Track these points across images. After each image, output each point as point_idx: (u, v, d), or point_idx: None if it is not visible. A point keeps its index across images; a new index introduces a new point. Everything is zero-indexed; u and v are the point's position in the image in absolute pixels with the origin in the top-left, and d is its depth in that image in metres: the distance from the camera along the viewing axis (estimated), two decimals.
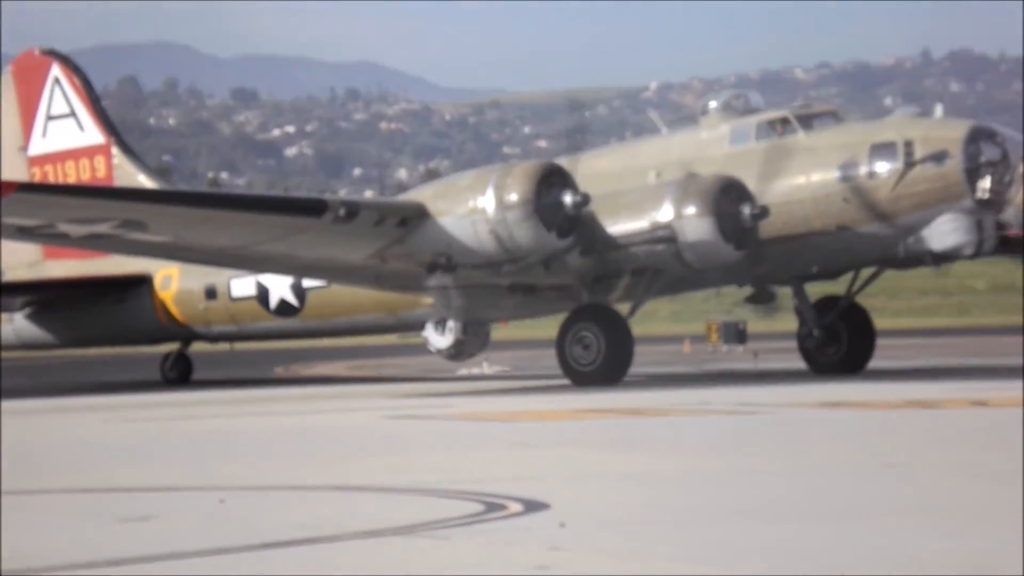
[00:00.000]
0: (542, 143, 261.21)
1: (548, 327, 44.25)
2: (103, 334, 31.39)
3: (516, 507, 9.35)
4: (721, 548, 7.59)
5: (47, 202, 23.46)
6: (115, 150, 31.65)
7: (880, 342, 28.79)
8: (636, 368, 28.85)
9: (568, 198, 24.07)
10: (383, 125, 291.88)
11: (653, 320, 25.74)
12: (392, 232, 24.34)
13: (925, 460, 12.25)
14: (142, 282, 30.35)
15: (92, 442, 17.23)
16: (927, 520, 8.41)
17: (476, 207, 23.92)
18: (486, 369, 34.88)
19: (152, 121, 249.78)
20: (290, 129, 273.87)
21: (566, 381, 26.87)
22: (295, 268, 26.41)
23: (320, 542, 8.17)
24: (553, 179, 24.11)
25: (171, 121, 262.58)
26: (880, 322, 29.46)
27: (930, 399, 20.04)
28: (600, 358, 24.76)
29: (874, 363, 28.62)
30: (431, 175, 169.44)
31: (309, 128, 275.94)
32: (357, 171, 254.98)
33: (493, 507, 9.39)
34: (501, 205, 23.77)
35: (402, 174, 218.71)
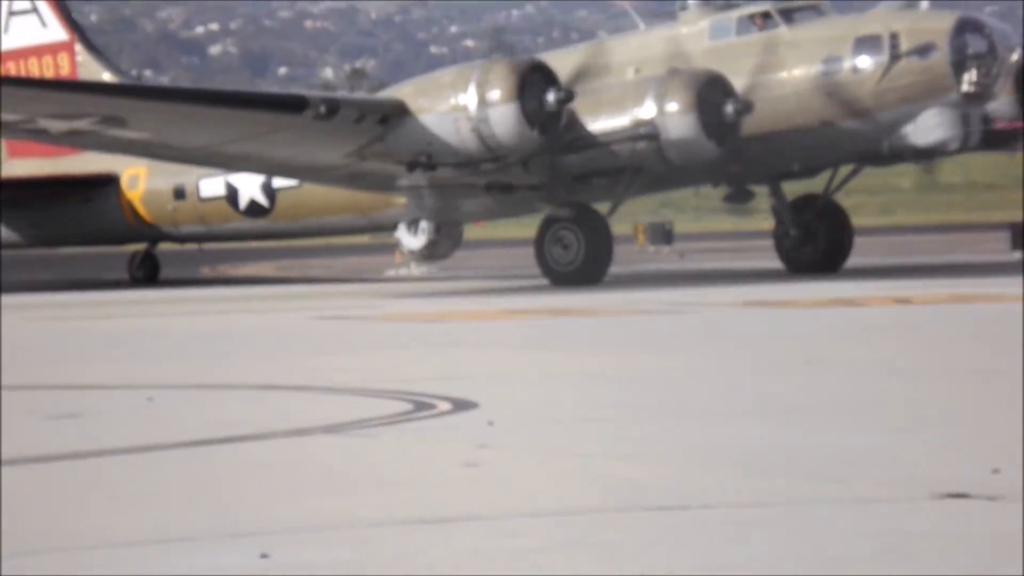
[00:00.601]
0: (469, 43, 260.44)
1: (475, 229, 44.30)
2: (69, 234, 31.03)
3: (445, 406, 9.42)
4: (648, 445, 7.69)
5: (30, 96, 23.47)
6: (79, 47, 31.08)
7: None
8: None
9: (552, 95, 23.67)
10: (308, 23, 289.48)
11: None
12: (372, 130, 24.07)
13: (845, 357, 12.43)
14: (109, 182, 29.88)
15: (22, 341, 17.20)
16: (847, 417, 8.56)
17: (458, 104, 23.56)
18: (414, 270, 34.81)
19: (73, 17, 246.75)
20: (214, 27, 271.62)
21: (492, 282, 26.94)
22: (271, 167, 26.22)
23: (248, 440, 8.22)
24: (536, 75, 23.75)
25: (92, 18, 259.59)
26: None
27: (854, 297, 20.25)
28: (580, 258, 24.55)
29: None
30: (356, 74, 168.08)
31: (233, 26, 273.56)
32: (283, 70, 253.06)
33: (422, 406, 9.46)
34: (483, 102, 23.42)
35: (328, 73, 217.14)
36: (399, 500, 6.09)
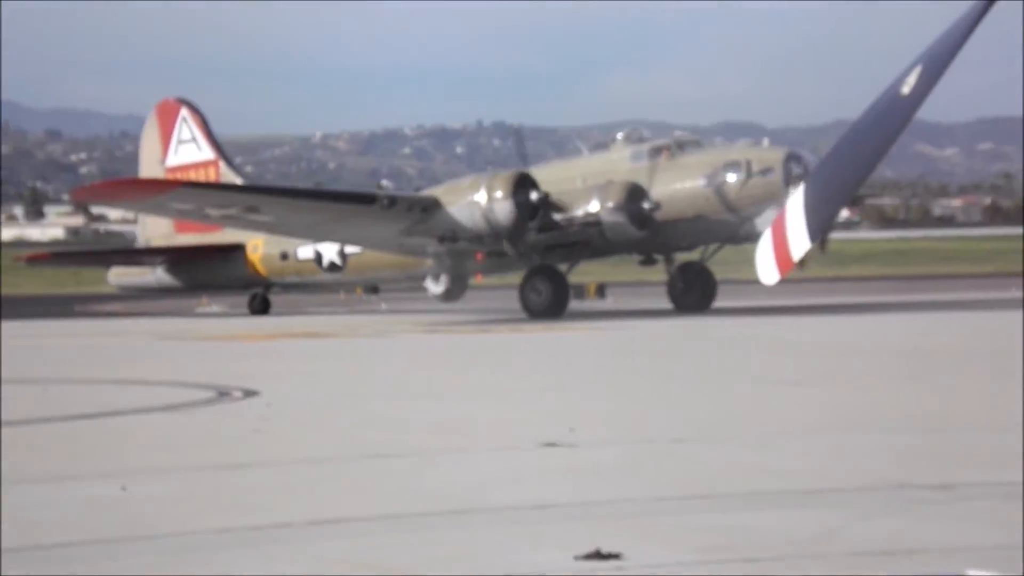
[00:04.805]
0: None
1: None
2: (212, 281, 42.21)
3: (238, 394, 12.61)
4: (388, 419, 10.62)
5: (200, 194, 33.31)
6: (221, 164, 42.32)
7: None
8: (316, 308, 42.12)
9: (534, 195, 32.67)
10: None
11: None
12: (417, 216, 32.99)
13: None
14: (239, 248, 40.65)
15: None
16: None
17: (474, 199, 32.42)
18: (215, 308, 46.46)
19: None
20: (83, 155, 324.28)
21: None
22: (349, 239, 35.66)
23: (77, 419, 11.10)
24: (524, 181, 32.64)
25: (4, 149, 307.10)
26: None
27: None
28: (547, 301, 33.41)
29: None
30: None
31: (96, 155, 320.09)
32: None
33: (223, 394, 12.75)
34: (491, 198, 32.24)
35: None
36: (216, 452, 8.95)
